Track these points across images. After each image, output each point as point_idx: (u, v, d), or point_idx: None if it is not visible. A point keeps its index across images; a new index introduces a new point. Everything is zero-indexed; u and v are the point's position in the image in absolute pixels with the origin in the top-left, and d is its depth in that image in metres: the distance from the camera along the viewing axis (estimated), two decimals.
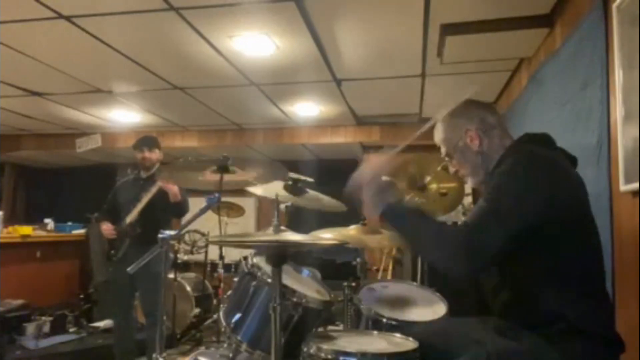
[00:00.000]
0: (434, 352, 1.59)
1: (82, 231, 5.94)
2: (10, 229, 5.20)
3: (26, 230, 5.17)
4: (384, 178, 1.48)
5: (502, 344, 1.41)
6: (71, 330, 4.73)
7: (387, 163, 1.53)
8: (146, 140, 3.64)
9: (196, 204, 2.83)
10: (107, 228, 3.51)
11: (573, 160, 1.52)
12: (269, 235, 1.65)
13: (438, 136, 1.64)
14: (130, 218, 3.45)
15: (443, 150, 1.63)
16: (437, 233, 1.35)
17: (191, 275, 5.46)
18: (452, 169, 1.65)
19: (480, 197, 1.59)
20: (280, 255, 1.61)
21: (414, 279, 3.37)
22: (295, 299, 1.84)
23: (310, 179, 2.45)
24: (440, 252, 1.33)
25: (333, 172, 6.21)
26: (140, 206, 3.43)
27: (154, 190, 3.40)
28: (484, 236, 1.27)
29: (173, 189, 3.42)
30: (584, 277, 1.36)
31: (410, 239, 1.44)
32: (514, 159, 1.40)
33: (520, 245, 1.30)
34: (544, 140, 1.51)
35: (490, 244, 1.27)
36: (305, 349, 1.60)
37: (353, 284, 2.27)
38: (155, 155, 3.62)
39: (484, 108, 1.59)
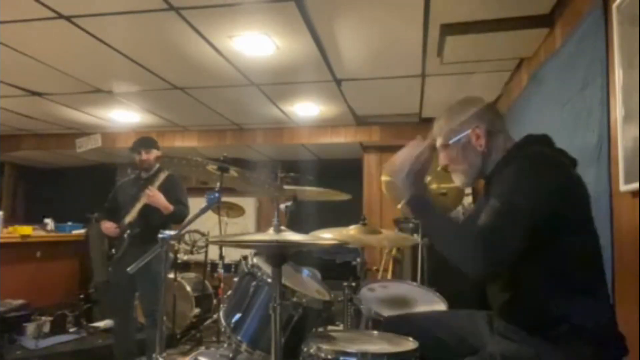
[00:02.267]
0: (434, 352, 1.59)
1: (82, 231, 5.92)
2: (10, 229, 5.19)
3: (26, 230, 5.16)
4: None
5: (505, 347, 1.40)
6: (71, 330, 4.72)
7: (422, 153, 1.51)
8: (143, 142, 3.63)
9: (196, 203, 2.82)
10: (109, 226, 3.50)
11: (573, 162, 1.52)
12: (269, 235, 1.65)
13: (440, 125, 1.60)
14: (129, 218, 3.45)
15: (440, 140, 1.60)
16: (456, 232, 1.38)
17: (191, 275, 5.46)
18: (441, 161, 1.62)
19: (482, 196, 1.58)
20: (280, 255, 1.61)
21: (414, 279, 3.37)
22: (295, 299, 1.84)
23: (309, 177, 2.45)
24: (459, 252, 1.33)
25: (333, 172, 6.24)
26: (138, 206, 3.43)
27: (141, 202, 3.40)
28: (500, 237, 1.27)
29: (160, 204, 3.41)
30: (586, 278, 1.36)
31: (430, 233, 1.47)
32: (523, 158, 1.41)
33: (530, 244, 1.30)
34: (547, 141, 1.52)
35: (507, 244, 1.27)
36: (305, 349, 1.60)
37: (353, 284, 2.27)
38: (153, 155, 3.61)
39: (493, 112, 1.59)
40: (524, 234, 1.28)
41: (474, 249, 1.28)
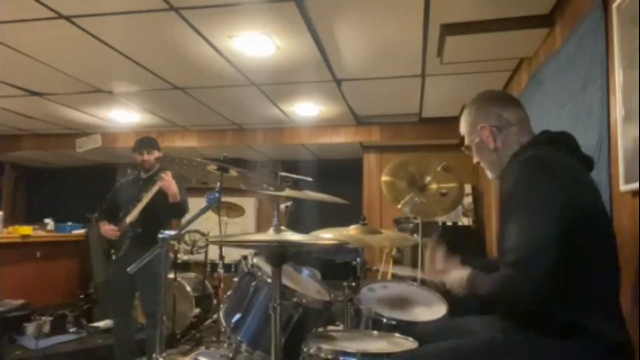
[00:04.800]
0: None
1: (82, 231, 5.93)
2: (10, 229, 5.19)
3: (26, 230, 5.16)
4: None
5: (497, 334, 1.41)
6: (71, 330, 4.72)
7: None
8: (144, 142, 3.64)
9: (196, 203, 2.82)
10: (108, 228, 3.50)
11: (587, 162, 1.52)
12: (269, 235, 1.65)
13: (461, 128, 1.69)
14: (130, 218, 3.45)
15: (466, 141, 1.68)
16: (497, 287, 1.36)
17: (191, 275, 5.46)
18: (474, 160, 1.69)
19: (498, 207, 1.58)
20: (280, 255, 1.61)
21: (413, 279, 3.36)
22: (295, 299, 1.84)
23: (308, 178, 2.45)
24: (509, 302, 1.38)
25: (333, 172, 6.25)
26: (140, 206, 3.43)
27: (154, 190, 3.41)
28: (532, 270, 1.28)
29: (172, 189, 3.43)
30: (588, 276, 1.35)
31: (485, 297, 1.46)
32: (518, 170, 1.41)
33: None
34: (559, 141, 1.52)
35: (540, 274, 1.27)
36: (305, 349, 1.61)
37: (353, 284, 2.28)
38: (154, 156, 3.62)
39: (503, 103, 1.61)
40: (554, 253, 1.27)
41: (517, 294, 1.30)
